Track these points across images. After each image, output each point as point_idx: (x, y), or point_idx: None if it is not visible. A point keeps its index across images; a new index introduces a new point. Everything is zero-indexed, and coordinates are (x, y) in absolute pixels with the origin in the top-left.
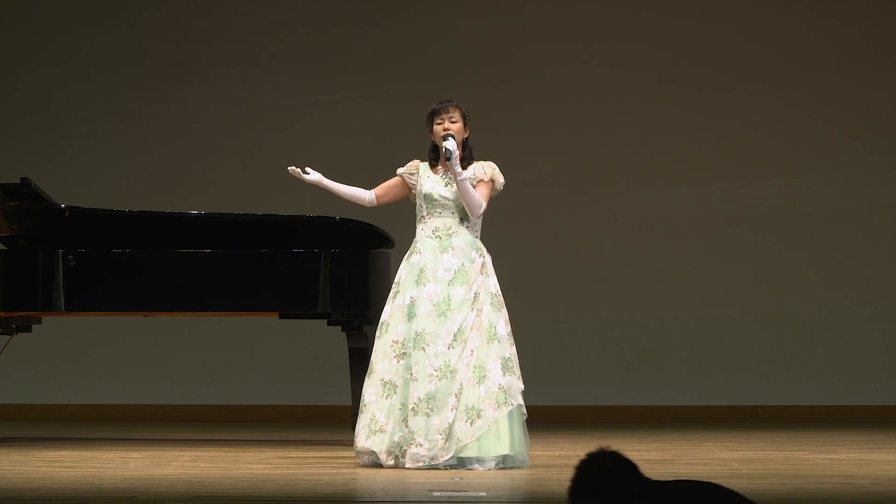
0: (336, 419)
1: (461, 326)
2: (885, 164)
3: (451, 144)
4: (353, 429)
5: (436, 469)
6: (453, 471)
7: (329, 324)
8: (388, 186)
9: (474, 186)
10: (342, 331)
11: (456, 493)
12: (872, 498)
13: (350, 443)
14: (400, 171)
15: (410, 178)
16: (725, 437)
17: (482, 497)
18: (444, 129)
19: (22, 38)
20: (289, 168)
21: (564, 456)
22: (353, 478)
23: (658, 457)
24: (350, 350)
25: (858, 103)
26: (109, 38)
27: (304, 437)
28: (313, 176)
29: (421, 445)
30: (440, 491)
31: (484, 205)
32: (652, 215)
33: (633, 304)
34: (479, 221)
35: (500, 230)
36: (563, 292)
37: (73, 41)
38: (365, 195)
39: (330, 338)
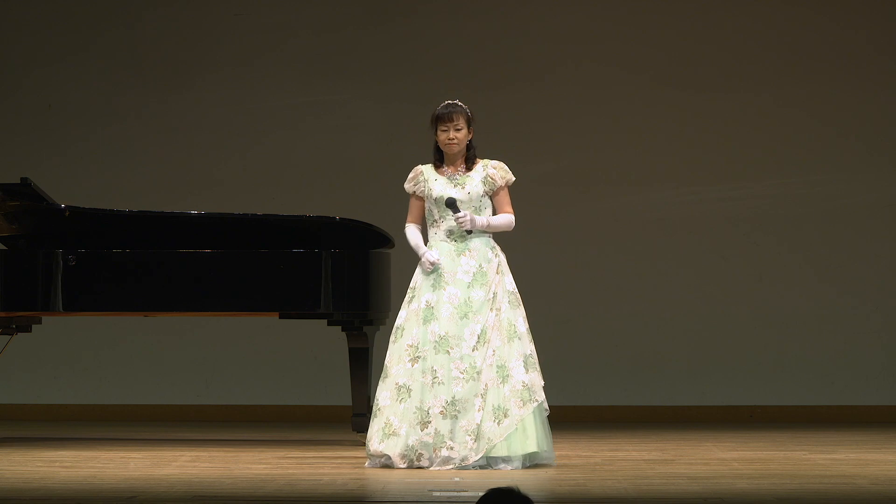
0: (336, 419)
1: (483, 328)
2: (885, 163)
3: (467, 224)
4: (354, 428)
5: (465, 470)
6: (482, 471)
7: (329, 324)
8: (417, 210)
9: (497, 194)
10: (342, 331)
11: (456, 493)
12: (872, 498)
13: (350, 442)
14: (409, 187)
15: (419, 187)
16: (725, 437)
17: None
18: (449, 139)
19: (22, 38)
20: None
21: (564, 456)
22: (352, 478)
23: (658, 457)
24: (350, 350)
25: (858, 103)
26: (109, 38)
27: (304, 437)
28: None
29: (451, 448)
30: (440, 491)
31: (512, 217)
32: (652, 215)
33: (633, 304)
34: None
35: None
36: (563, 292)
37: (73, 41)
38: (419, 234)
39: (330, 338)
